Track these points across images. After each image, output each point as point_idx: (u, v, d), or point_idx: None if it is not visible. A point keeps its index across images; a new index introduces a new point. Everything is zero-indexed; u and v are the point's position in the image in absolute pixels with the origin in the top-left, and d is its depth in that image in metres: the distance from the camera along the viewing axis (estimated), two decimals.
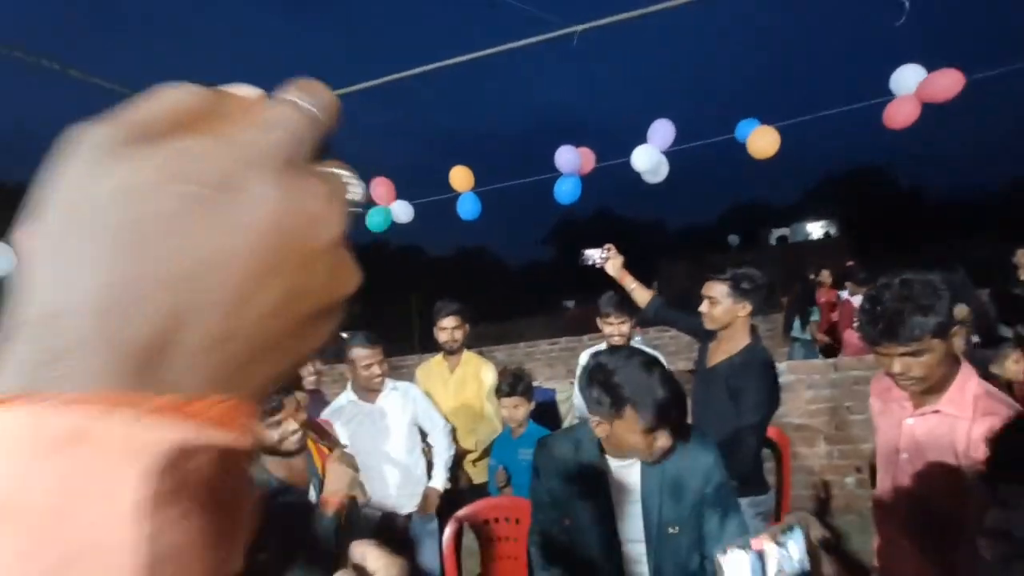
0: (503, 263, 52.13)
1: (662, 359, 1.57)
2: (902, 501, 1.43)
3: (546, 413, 3.69)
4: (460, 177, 3.63)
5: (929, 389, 1.35)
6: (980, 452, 1.25)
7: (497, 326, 22.43)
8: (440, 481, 2.53)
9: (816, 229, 34.72)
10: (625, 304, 2.59)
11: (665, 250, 32.02)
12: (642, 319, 2.49)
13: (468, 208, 3.58)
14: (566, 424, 3.67)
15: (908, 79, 3.05)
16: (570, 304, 28.38)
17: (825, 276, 4.53)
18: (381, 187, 3.74)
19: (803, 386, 3.30)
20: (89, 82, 3.31)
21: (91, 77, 3.29)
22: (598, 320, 2.71)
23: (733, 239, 27.75)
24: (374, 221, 3.70)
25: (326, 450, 1.71)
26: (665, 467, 1.36)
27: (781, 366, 3.48)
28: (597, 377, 1.31)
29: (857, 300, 4.18)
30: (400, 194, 3.91)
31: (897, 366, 1.30)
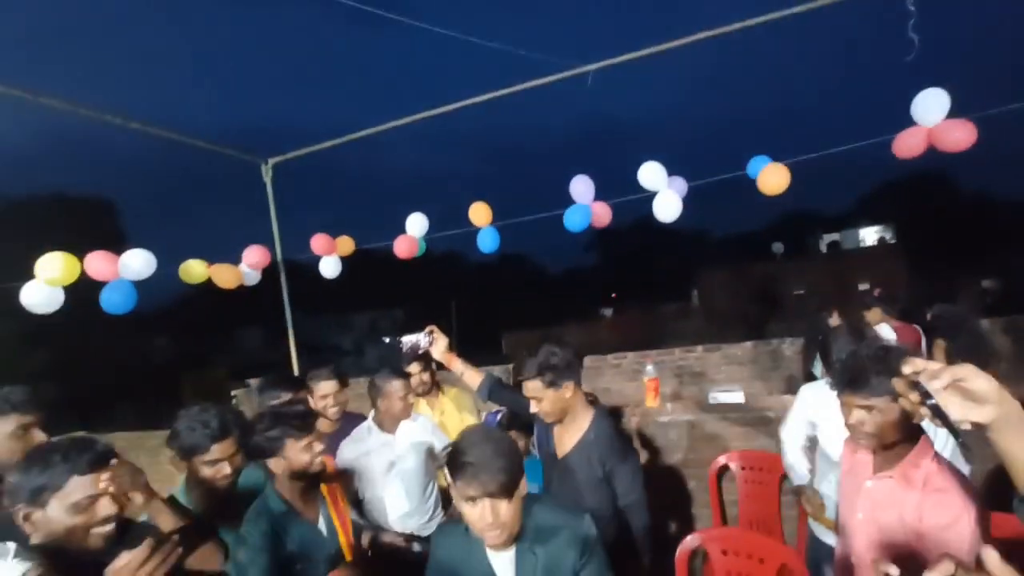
0: (544, 269, 52.24)
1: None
2: (856, 561, 1.50)
3: None
4: (479, 213, 3.83)
5: (888, 455, 1.43)
6: (925, 525, 1.32)
7: (535, 332, 22.66)
8: None
9: (870, 235, 33.05)
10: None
11: (706, 260, 31.29)
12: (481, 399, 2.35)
13: (487, 242, 3.78)
14: None
15: (930, 106, 2.97)
16: (607, 312, 28.23)
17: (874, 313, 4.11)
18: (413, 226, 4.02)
19: None
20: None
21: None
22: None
23: (777, 247, 26.75)
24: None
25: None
26: (536, 551, 1.37)
27: (791, 398, 3.46)
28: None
29: (885, 331, 3.95)
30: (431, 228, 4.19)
31: (853, 417, 1.41)
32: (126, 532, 1.33)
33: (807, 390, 2.48)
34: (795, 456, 2.46)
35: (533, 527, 1.39)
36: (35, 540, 1.24)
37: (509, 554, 1.38)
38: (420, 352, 2.37)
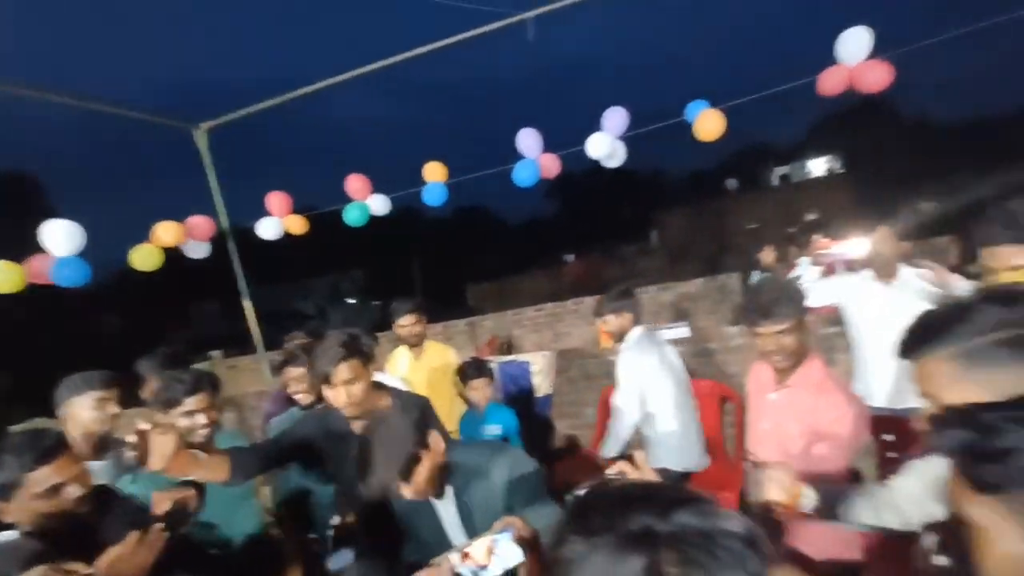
0: (504, 219, 51.93)
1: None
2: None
3: (521, 385, 4.03)
4: (434, 171, 3.84)
5: (787, 370, 1.68)
6: (820, 422, 1.59)
7: (497, 284, 22.78)
8: None
9: (818, 166, 34.09)
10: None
11: (664, 200, 31.74)
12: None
13: (435, 196, 3.81)
14: (541, 394, 4.02)
15: (852, 44, 3.10)
16: (570, 258, 28.59)
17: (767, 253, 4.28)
18: (357, 182, 3.95)
19: (750, 348, 3.59)
20: None
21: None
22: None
23: (731, 183, 27.36)
24: (352, 216, 3.94)
25: None
26: (469, 492, 1.48)
27: (733, 330, 3.76)
28: None
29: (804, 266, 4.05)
30: (377, 188, 4.13)
31: (771, 344, 1.63)
32: (108, 504, 1.40)
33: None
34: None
35: (462, 471, 1.50)
36: (19, 528, 1.28)
37: (448, 499, 1.52)
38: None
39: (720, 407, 3.43)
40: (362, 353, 1.75)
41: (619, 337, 2.59)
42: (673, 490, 0.58)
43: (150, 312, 27.78)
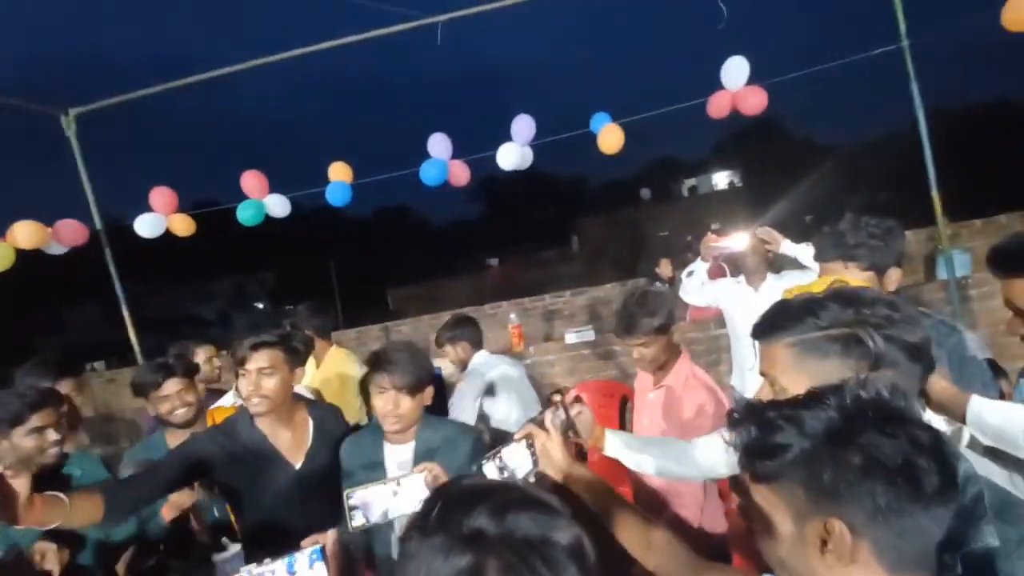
0: (426, 221, 51.27)
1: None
2: None
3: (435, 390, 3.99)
4: (339, 171, 3.72)
5: (660, 370, 1.86)
6: (686, 416, 1.74)
7: (419, 287, 22.42)
8: None
9: (722, 179, 36.95)
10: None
11: (583, 207, 32.93)
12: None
13: (337, 196, 3.70)
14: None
15: (733, 72, 3.41)
16: (494, 262, 28.79)
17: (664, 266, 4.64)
18: (252, 180, 3.72)
19: None
20: None
21: None
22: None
23: (645, 192, 28.94)
24: (245, 215, 3.70)
25: None
26: (432, 444, 1.59)
27: None
28: None
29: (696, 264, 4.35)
30: (277, 187, 3.91)
31: (635, 353, 1.81)
32: None
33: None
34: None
35: (430, 430, 1.62)
36: None
37: (408, 445, 1.61)
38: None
39: (621, 406, 3.60)
40: (288, 347, 1.64)
41: (463, 365, 2.56)
42: (518, 492, 0.59)
43: (17, 319, 24.39)
